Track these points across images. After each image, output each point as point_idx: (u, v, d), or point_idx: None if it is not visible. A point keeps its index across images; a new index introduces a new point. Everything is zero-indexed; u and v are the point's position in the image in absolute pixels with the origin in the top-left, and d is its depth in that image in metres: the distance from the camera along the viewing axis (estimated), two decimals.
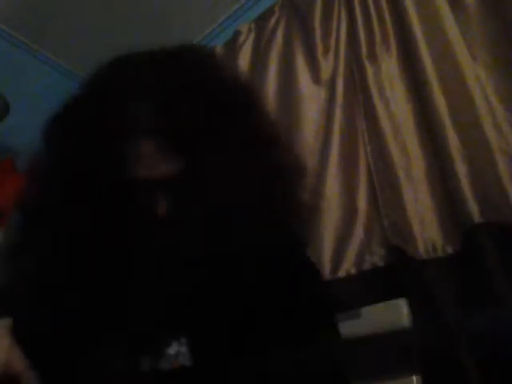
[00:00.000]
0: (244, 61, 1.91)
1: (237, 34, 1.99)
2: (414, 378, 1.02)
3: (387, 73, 1.53)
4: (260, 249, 0.65)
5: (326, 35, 1.72)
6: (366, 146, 1.50)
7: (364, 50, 1.58)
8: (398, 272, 1.31)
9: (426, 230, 1.30)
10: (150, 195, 0.66)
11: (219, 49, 2.06)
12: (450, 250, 1.25)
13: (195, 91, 0.67)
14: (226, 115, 0.69)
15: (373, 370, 0.55)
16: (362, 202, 1.46)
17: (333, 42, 1.69)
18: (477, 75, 1.35)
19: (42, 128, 0.72)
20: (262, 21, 1.94)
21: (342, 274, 1.40)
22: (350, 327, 0.81)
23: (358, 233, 1.43)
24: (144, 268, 0.63)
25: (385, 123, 1.46)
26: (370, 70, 1.55)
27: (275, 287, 0.67)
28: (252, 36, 1.95)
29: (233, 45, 1.99)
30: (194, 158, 0.65)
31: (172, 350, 0.66)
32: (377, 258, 1.38)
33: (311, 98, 1.68)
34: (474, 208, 1.22)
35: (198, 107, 0.65)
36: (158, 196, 0.66)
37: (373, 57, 1.57)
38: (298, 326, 0.65)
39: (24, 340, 0.66)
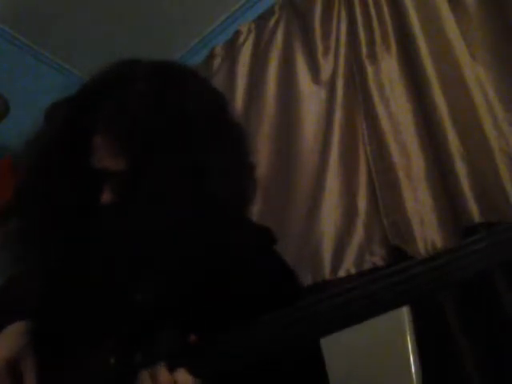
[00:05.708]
0: (244, 61, 1.91)
1: (237, 33, 1.99)
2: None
3: (387, 73, 1.53)
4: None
5: (326, 35, 1.72)
6: (365, 146, 1.50)
7: (364, 50, 1.58)
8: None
9: (426, 230, 1.30)
10: (98, 183, 0.75)
11: (219, 49, 2.06)
12: None
13: (150, 104, 0.74)
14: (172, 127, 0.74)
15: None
16: (361, 202, 1.46)
17: (333, 42, 1.69)
18: (477, 75, 1.35)
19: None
20: (262, 21, 1.94)
21: (341, 273, 1.40)
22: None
23: (358, 233, 1.43)
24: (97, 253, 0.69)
25: (385, 123, 1.46)
26: (370, 69, 1.55)
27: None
28: (252, 36, 1.95)
29: (233, 45, 1.99)
30: (140, 158, 0.72)
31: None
32: (377, 258, 1.38)
33: (311, 97, 1.68)
34: (473, 208, 1.22)
35: (148, 116, 0.72)
36: (104, 184, 0.75)
37: (373, 57, 1.56)
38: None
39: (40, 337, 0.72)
